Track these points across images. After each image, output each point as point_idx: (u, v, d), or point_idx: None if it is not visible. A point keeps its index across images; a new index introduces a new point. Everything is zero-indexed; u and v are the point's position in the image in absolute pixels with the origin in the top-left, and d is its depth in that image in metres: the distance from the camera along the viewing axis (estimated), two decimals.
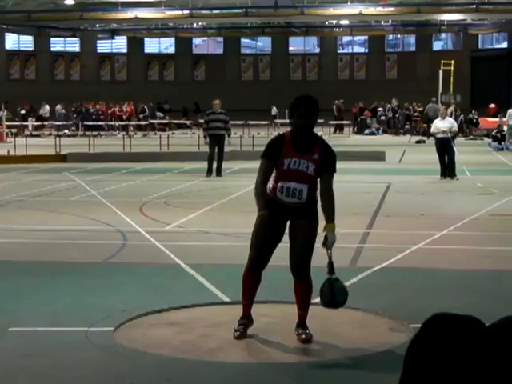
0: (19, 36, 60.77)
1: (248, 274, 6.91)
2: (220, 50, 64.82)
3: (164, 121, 48.70)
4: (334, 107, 47.06)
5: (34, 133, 40.95)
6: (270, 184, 6.80)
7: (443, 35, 62.33)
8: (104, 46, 63.68)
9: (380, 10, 49.59)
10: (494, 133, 34.95)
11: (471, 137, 41.37)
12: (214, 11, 51.75)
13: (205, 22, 57.23)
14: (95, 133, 36.68)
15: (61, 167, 24.25)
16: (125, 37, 63.16)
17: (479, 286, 8.83)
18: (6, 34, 59.78)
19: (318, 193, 6.82)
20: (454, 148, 20.89)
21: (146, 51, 64.32)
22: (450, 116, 28.42)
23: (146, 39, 63.79)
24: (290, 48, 64.09)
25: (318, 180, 6.77)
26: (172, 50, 64.94)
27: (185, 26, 59.75)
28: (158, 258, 10.31)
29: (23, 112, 47.64)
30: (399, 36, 62.50)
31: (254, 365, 6.30)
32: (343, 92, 51.49)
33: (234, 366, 6.24)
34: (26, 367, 6.16)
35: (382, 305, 7.80)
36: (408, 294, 8.34)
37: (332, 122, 44.53)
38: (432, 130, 21.01)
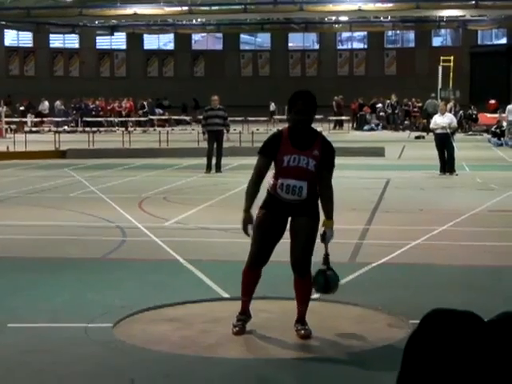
0: (18, 32, 60.70)
1: (248, 270, 6.91)
2: (219, 46, 64.76)
3: (163, 117, 48.68)
4: (334, 103, 47.03)
5: (34, 129, 40.96)
6: (271, 181, 6.79)
7: (442, 31, 62.28)
8: (103, 42, 63.61)
9: (379, 5, 49.56)
10: (493, 128, 34.95)
11: (470, 132, 41.37)
12: (213, 7, 51.71)
13: (204, 19, 57.15)
14: (94, 129, 36.67)
15: (60, 163, 24.26)
16: (124, 33, 63.09)
17: (478, 281, 8.84)
18: (5, 30, 59.70)
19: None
20: (454, 144, 20.89)
21: (145, 47, 64.26)
22: (450, 112, 28.41)
23: (145, 35, 63.71)
24: (290, 44, 64.04)
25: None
26: (171, 46, 64.89)
27: (184, 23, 59.66)
28: (157, 253, 10.31)
29: (22, 108, 47.61)
30: (398, 32, 62.41)
31: (252, 360, 6.30)
32: (342, 88, 51.42)
33: (232, 361, 6.24)
34: (26, 363, 6.16)
35: (381, 300, 7.81)
36: (407, 290, 8.34)
37: (331, 118, 44.54)
38: (431, 125, 21.01)
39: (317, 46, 64.21)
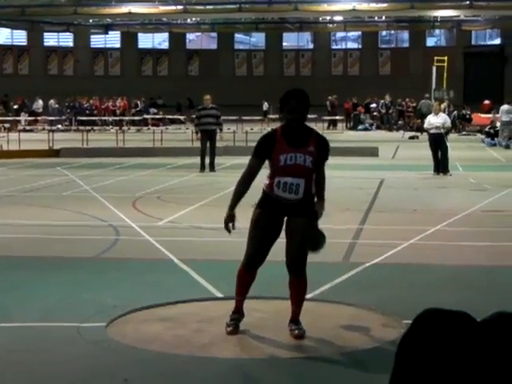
0: (12, 31, 60.63)
1: (244, 271, 6.89)
2: (214, 46, 64.77)
3: (157, 116, 48.66)
4: (328, 103, 47.08)
5: (27, 128, 40.90)
6: (266, 181, 6.77)
7: (436, 31, 62.38)
8: (97, 40, 63.58)
9: (373, 5, 49.65)
10: (486, 129, 35.02)
11: (464, 133, 41.44)
12: (208, 7, 51.72)
13: (198, 18, 57.16)
14: (88, 128, 36.64)
15: (54, 162, 24.22)
16: (118, 32, 63.06)
17: (472, 281, 8.85)
18: (0, 28, 59.62)
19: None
20: (447, 144, 20.92)
21: (139, 46, 64.24)
22: (443, 112, 28.44)
23: (139, 34, 63.71)
24: (284, 44, 64.09)
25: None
26: (166, 45, 64.88)
27: (178, 22, 59.67)
28: (151, 253, 10.30)
29: (16, 107, 47.53)
30: (392, 32, 62.52)
31: (246, 360, 6.30)
32: (337, 88, 51.46)
33: (226, 361, 6.23)
34: (17, 363, 6.15)
35: (374, 300, 7.81)
36: (400, 290, 8.34)
37: (325, 118, 44.56)
38: (425, 125, 21.03)
39: (311, 46, 64.28)
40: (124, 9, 50.31)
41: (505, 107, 33.54)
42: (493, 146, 32.14)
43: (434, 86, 44.19)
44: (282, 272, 6.89)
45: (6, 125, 35.46)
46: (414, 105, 45.45)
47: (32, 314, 7.35)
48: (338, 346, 6.56)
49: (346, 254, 10.29)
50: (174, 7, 51.33)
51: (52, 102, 46.88)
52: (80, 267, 9.48)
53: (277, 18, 58.27)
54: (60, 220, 13.06)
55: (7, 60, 60.51)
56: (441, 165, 20.34)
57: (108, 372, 6.01)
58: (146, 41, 64.33)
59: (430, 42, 62.40)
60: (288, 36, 63.77)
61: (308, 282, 6.83)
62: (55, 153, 26.66)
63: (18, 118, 43.86)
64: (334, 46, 63.84)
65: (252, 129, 33.16)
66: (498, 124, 33.80)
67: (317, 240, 6.68)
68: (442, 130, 20.34)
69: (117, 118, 45.68)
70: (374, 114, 47.00)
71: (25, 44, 61.43)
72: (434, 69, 44.57)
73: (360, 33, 62.21)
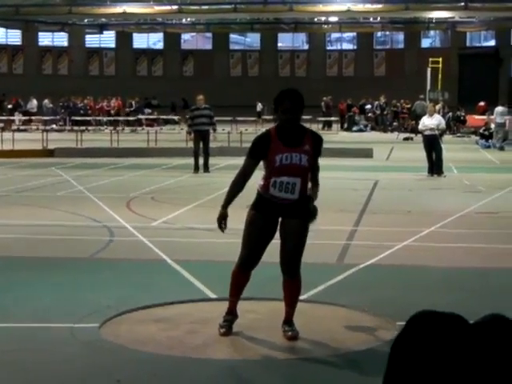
0: (7, 30, 60.56)
1: (238, 272, 6.88)
2: (209, 46, 64.77)
3: (152, 116, 48.63)
4: (323, 103, 47.13)
5: (22, 127, 40.82)
6: (261, 182, 6.76)
7: (431, 33, 62.50)
8: (92, 40, 63.52)
9: (368, 6, 49.69)
10: (481, 130, 35.07)
11: (458, 134, 41.49)
12: (203, 7, 51.72)
13: (193, 18, 57.16)
14: (83, 128, 36.59)
15: (48, 162, 24.19)
16: (113, 32, 63.02)
17: (466, 283, 8.86)
18: None
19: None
20: (442, 145, 20.96)
21: (134, 46, 64.20)
22: (438, 113, 28.48)
23: (134, 34, 63.67)
24: (279, 44, 64.12)
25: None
26: (160, 45, 64.86)
27: (173, 22, 59.67)
28: (145, 254, 10.29)
29: (10, 107, 47.45)
30: (387, 33, 62.61)
31: (239, 361, 6.30)
32: (331, 88, 51.51)
33: (219, 362, 6.23)
34: (11, 362, 6.14)
35: (368, 302, 7.81)
36: (394, 291, 8.35)
37: (320, 119, 44.58)
38: (420, 127, 21.06)
39: (306, 47, 64.32)
40: (119, 9, 50.28)
41: (499, 109, 33.63)
42: (487, 148, 32.19)
43: (428, 88, 44.23)
44: (276, 273, 6.89)
45: (0, 124, 35.39)
46: (409, 106, 45.51)
47: (25, 315, 7.34)
48: (332, 348, 6.57)
49: (340, 255, 10.30)
50: (168, 7, 51.32)
51: (46, 101, 46.82)
52: (74, 267, 9.47)
53: (272, 19, 58.30)
54: (54, 220, 13.04)
55: (1, 59, 60.45)
56: (435, 166, 20.37)
57: (101, 372, 6.00)
58: (140, 41, 64.29)
59: (425, 43, 62.49)
60: (283, 36, 63.81)
61: (302, 283, 6.83)
62: (49, 153, 26.63)
63: (12, 118, 43.79)
64: (329, 47, 63.89)
65: (247, 129, 33.16)
66: (493, 126, 33.87)
67: (316, 212, 6.70)
68: (437, 132, 20.37)
69: (111, 118, 45.63)
70: (369, 115, 47.06)
71: (19, 43, 61.35)
72: (429, 70, 44.62)
73: (355, 34, 62.29)
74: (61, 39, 62.64)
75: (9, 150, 27.00)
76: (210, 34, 63.82)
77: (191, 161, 21.48)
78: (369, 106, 47.24)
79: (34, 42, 61.33)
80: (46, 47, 62.24)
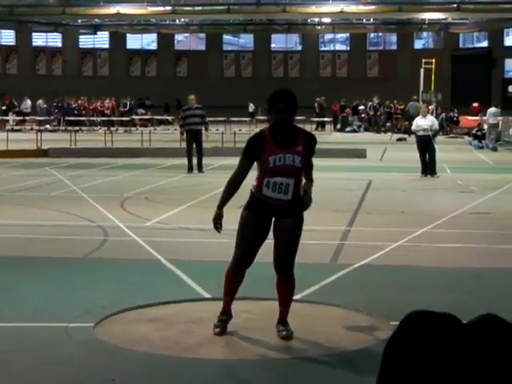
0: (0, 30, 60.40)
1: (232, 272, 6.88)
2: (202, 47, 64.69)
3: (145, 116, 48.58)
4: (316, 104, 47.15)
5: (16, 127, 40.74)
6: (254, 182, 6.77)
7: (424, 34, 62.53)
8: (86, 41, 63.41)
9: (362, 8, 49.71)
10: (474, 131, 35.14)
11: (452, 135, 41.56)
12: (197, 8, 51.69)
13: (187, 19, 57.11)
14: (77, 128, 36.54)
15: (42, 162, 24.16)
16: (107, 32, 62.91)
17: (459, 283, 8.87)
18: None
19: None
20: (435, 146, 20.99)
21: (128, 47, 64.10)
22: (431, 114, 28.52)
23: (128, 35, 63.56)
24: (272, 45, 64.07)
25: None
26: (154, 46, 64.78)
27: (167, 22, 59.59)
28: (139, 253, 10.30)
29: (4, 107, 47.35)
30: (381, 34, 62.63)
31: (234, 361, 6.31)
32: (325, 89, 51.51)
33: (214, 362, 6.24)
34: (4, 363, 6.14)
35: (362, 302, 7.83)
36: (388, 292, 8.36)
37: (313, 120, 44.58)
38: (413, 127, 21.09)
39: (299, 48, 64.29)
40: (112, 9, 50.21)
41: (492, 110, 33.69)
42: (480, 149, 32.24)
43: (421, 89, 44.28)
44: (270, 273, 6.90)
45: None
46: (402, 107, 45.56)
47: (20, 314, 7.34)
48: (326, 347, 6.58)
49: (333, 255, 10.31)
50: (162, 8, 51.27)
51: (40, 102, 46.73)
52: (68, 267, 9.46)
53: (265, 20, 58.28)
54: (48, 220, 13.04)
55: None
56: (428, 167, 20.41)
57: (95, 372, 6.00)
58: (134, 41, 64.20)
59: (418, 44, 62.52)
60: (276, 37, 63.78)
61: (296, 283, 6.84)
62: (43, 153, 26.60)
63: (6, 118, 43.71)
64: (322, 48, 63.85)
65: (240, 130, 33.16)
66: (485, 126, 33.93)
67: (310, 201, 6.76)
68: (430, 132, 20.40)
69: (105, 119, 45.58)
70: (362, 115, 47.09)
71: (13, 44, 61.20)
72: (422, 71, 44.67)
73: (348, 35, 62.29)
74: (55, 40, 62.51)
75: (3, 150, 26.96)
76: (203, 35, 63.75)
77: (185, 161, 21.48)
78: (362, 107, 47.27)
79: (28, 43, 61.20)
80: (40, 47, 62.10)
